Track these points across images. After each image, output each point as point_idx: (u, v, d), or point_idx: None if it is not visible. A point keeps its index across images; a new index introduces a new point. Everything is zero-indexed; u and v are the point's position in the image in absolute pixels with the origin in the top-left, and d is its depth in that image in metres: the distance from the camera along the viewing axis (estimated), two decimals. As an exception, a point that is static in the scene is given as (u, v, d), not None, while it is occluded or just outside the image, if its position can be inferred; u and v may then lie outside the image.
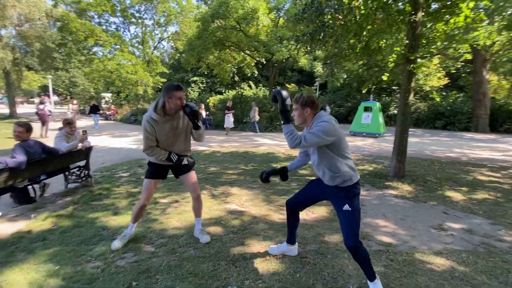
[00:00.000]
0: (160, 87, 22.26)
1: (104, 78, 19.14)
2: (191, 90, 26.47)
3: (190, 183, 2.57)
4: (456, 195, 4.14)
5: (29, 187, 3.62)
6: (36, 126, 10.78)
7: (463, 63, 17.67)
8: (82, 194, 4.03)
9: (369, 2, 4.77)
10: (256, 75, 21.26)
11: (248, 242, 2.62)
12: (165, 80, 21.86)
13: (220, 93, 24.93)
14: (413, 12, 4.58)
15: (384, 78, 5.75)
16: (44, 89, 36.37)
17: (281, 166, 2.31)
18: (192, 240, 2.64)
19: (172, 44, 25.66)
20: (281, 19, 14.90)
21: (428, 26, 5.19)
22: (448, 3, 4.79)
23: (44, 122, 10.35)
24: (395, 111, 18.74)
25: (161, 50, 25.93)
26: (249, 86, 22.37)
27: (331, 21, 4.86)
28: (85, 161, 4.37)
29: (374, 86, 19.07)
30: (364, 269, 1.90)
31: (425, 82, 20.48)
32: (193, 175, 2.59)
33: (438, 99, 18.28)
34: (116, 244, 2.48)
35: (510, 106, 15.26)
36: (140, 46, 19.70)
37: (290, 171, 2.28)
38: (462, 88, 21.89)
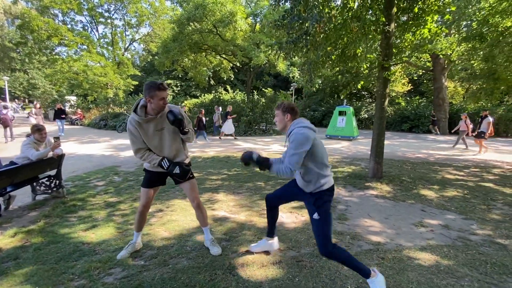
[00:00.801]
0: (131, 90, 21.34)
1: (68, 80, 17.89)
2: (165, 93, 25.69)
3: (188, 192, 2.44)
4: (429, 193, 4.44)
5: (-8, 200, 3.26)
6: None
7: (424, 71, 19.21)
8: (53, 206, 3.70)
9: (345, 11, 5.02)
10: (232, 79, 21.24)
11: (242, 249, 2.57)
12: (136, 83, 21.00)
13: (196, 96, 24.52)
14: (386, 23, 4.89)
15: (358, 86, 6.05)
16: (-2, 92, 33.12)
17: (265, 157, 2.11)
18: (183, 250, 2.53)
19: (144, 46, 24.78)
20: (257, 25, 15.07)
21: (397, 36, 5.57)
22: (414, 16, 5.19)
23: (6, 127, 10.10)
24: (366, 115, 19.78)
25: (132, 52, 24.90)
26: (226, 90, 22.28)
27: (312, 30, 5.01)
28: (56, 170, 4.03)
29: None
30: (354, 270, 1.93)
31: (391, 88, 21.90)
32: (191, 183, 2.43)
33: (403, 104, 19.63)
34: (122, 253, 2.39)
35: (466, 110, 16.76)
36: (109, 47, 18.72)
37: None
38: (423, 94, 23.75)
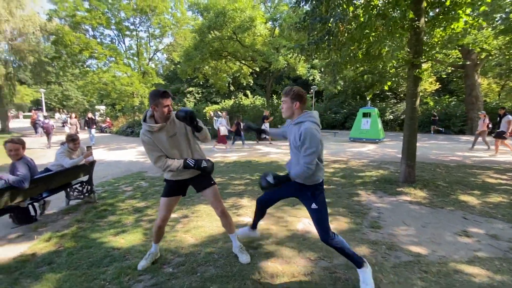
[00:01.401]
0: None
1: (98, 91, 18.93)
2: (187, 100, 26.40)
3: (212, 199, 2.37)
4: (470, 199, 4.08)
5: (29, 205, 3.43)
6: (28, 140, 11.26)
7: (453, 68, 18.12)
8: (85, 211, 3.83)
9: (369, 9, 4.83)
10: (251, 84, 21.37)
11: (270, 258, 2.47)
12: (160, 91, 21.73)
13: (216, 103, 24.92)
14: (415, 19, 4.63)
15: (385, 87, 5.77)
16: (36, 103, 35.85)
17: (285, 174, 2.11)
18: (211, 258, 2.48)
19: (167, 56, 25.71)
20: (276, 30, 15.08)
21: (427, 31, 5.26)
22: (445, 9, 4.88)
23: (48, 134, 11.69)
24: (391, 117, 18.97)
25: (156, 62, 25.93)
26: (245, 95, 22.42)
27: (335, 30, 4.86)
28: (87, 176, 4.19)
29: (367, 92, 19.36)
30: (348, 258, 2.05)
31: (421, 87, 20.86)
32: (214, 190, 2.37)
33: (431, 104, 18.58)
34: (142, 263, 2.35)
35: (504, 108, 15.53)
36: (135, 58, 19.62)
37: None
38: (452, 93, 22.38)
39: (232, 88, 24.95)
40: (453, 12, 4.76)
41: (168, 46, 22.07)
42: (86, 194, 4.18)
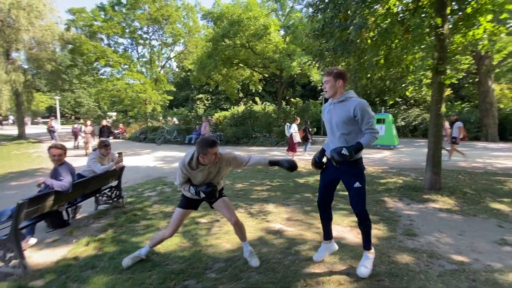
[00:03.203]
0: (167, 104, 22.53)
1: (111, 98, 19.34)
2: (197, 107, 26.71)
3: (223, 210, 2.48)
4: (502, 207, 4.00)
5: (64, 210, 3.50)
6: (44, 146, 11.93)
7: (464, 74, 17.94)
8: (115, 216, 3.89)
9: (387, 17, 4.87)
10: (260, 90, 21.54)
11: (312, 265, 2.46)
12: (171, 98, 22.14)
13: (225, 109, 25.17)
14: (440, 25, 4.64)
15: (407, 93, 5.76)
16: (50, 110, 36.76)
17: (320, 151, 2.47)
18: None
19: (178, 63, 26.18)
20: (287, 37, 15.26)
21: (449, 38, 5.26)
22: (465, 16, 4.88)
23: (76, 137, 13.71)
24: (402, 123, 18.80)
25: (167, 69, 26.42)
26: (255, 101, 22.59)
27: (354, 37, 4.91)
28: (117, 181, 4.26)
29: (378, 99, 19.23)
30: (367, 236, 2.25)
31: (429, 94, 20.66)
32: (224, 202, 2.49)
33: (444, 110, 18.36)
34: (127, 261, 2.49)
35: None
36: (148, 66, 20.05)
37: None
38: (464, 99, 22.07)
39: (241, 94, 25.17)
40: (473, 19, 4.77)
41: (180, 54, 22.49)
42: (115, 199, 4.25)
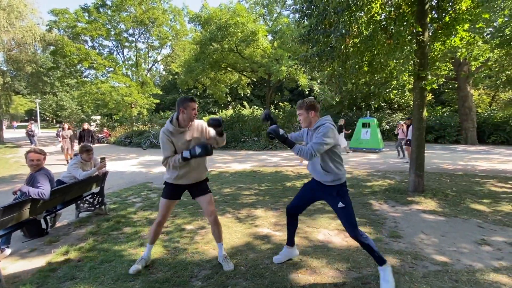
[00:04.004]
0: (153, 108, 22.14)
1: (95, 101, 18.80)
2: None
3: (206, 205, 2.50)
4: (482, 208, 4.14)
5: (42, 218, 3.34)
6: (22, 151, 10.99)
7: (445, 80, 18.70)
8: (98, 223, 3.75)
9: (370, 25, 5.01)
10: (248, 94, 21.56)
11: (299, 269, 2.45)
12: (158, 101, 21.78)
13: (213, 113, 25.02)
14: (421, 32, 4.82)
15: (392, 96, 5.92)
16: (30, 113, 35.34)
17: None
18: (238, 270, 2.45)
19: (164, 66, 25.87)
20: (275, 42, 15.41)
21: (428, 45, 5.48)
22: (444, 25, 5.10)
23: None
24: (387, 127, 19.30)
25: (154, 72, 26.03)
26: (243, 105, 22.60)
27: (337, 43, 5.02)
28: (99, 187, 4.12)
29: (364, 103, 19.69)
30: (372, 255, 2.14)
31: (411, 99, 21.36)
32: (209, 197, 2.52)
33: (426, 114, 19.02)
34: (134, 268, 2.44)
35: (494, 119, 16.04)
36: (134, 69, 19.67)
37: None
38: (444, 103, 22.97)
39: (229, 98, 25.12)
40: (452, 28, 4.99)
41: (167, 57, 22.23)
42: (97, 206, 4.10)
